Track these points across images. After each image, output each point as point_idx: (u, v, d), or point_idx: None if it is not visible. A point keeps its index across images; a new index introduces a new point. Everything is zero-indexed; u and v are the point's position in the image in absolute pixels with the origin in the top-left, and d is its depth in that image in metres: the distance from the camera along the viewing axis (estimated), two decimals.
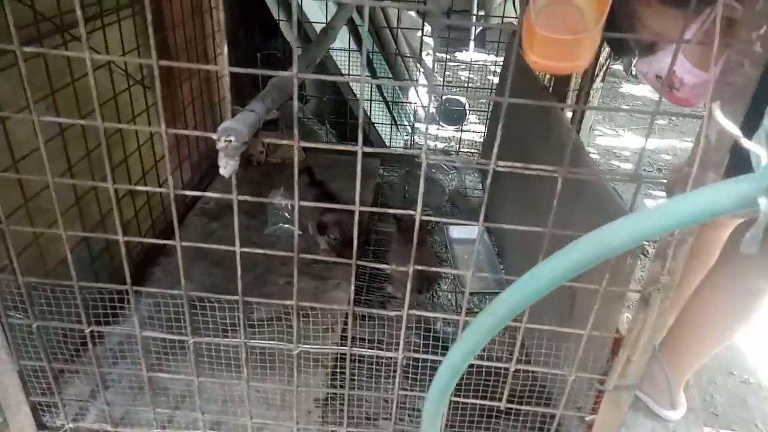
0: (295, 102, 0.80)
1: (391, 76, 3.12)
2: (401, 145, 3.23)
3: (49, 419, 1.26)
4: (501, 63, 2.58)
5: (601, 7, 0.68)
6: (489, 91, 3.13)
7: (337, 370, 1.45)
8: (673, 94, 1.11)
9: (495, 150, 0.83)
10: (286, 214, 2.08)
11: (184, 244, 1.01)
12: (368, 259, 1.99)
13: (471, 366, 0.72)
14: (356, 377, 1.42)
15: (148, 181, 1.81)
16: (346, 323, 1.56)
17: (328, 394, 1.39)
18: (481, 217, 0.85)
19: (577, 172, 0.85)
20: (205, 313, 1.30)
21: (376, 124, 2.87)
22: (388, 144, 3.00)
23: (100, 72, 1.47)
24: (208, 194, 0.96)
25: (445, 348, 1.11)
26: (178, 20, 1.93)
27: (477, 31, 5.84)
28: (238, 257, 1.00)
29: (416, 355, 1.06)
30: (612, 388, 0.99)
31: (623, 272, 0.93)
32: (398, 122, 3.14)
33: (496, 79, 5.17)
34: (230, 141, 0.77)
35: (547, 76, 2.15)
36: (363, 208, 0.91)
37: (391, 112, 3.11)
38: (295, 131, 0.82)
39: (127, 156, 1.65)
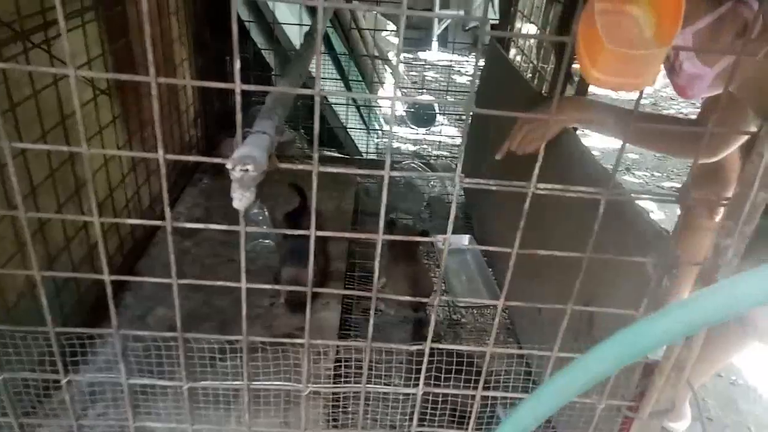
0: (317, 123, 0.70)
1: (360, 77, 3.03)
2: (373, 148, 3.15)
3: None
4: (467, 62, 2.53)
5: (669, 20, 0.62)
6: (463, 92, 3.08)
7: (339, 403, 1.36)
8: (673, 78, 1.09)
9: (535, 174, 0.76)
10: (265, 227, 1.96)
11: (180, 281, 0.89)
12: (354, 274, 1.90)
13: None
14: (350, 412, 1.33)
15: (114, 195, 1.66)
16: (338, 349, 1.47)
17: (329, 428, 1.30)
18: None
19: (620, 193, 0.79)
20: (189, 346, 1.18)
21: (348, 129, 2.78)
22: (360, 148, 2.91)
23: (63, 80, 1.33)
24: (212, 226, 0.85)
25: (466, 379, 1.04)
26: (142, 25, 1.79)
27: (439, 30, 5.82)
28: (243, 294, 0.89)
29: (437, 390, 0.98)
30: (647, 416, 0.94)
31: (660, 295, 0.88)
32: (369, 126, 3.06)
33: (460, 79, 5.18)
34: (247, 171, 0.67)
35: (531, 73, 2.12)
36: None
37: (362, 116, 3.02)
38: (315, 156, 0.73)
39: (96, 172, 1.50)
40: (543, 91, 1.85)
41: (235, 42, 0.62)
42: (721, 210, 1.47)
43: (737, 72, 0.72)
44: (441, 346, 0.96)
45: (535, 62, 2.12)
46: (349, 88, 2.80)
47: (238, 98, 0.71)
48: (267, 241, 1.87)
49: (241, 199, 0.70)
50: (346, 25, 2.90)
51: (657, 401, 0.94)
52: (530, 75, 2.20)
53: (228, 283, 0.90)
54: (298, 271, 1.61)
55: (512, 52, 2.35)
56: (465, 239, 2.02)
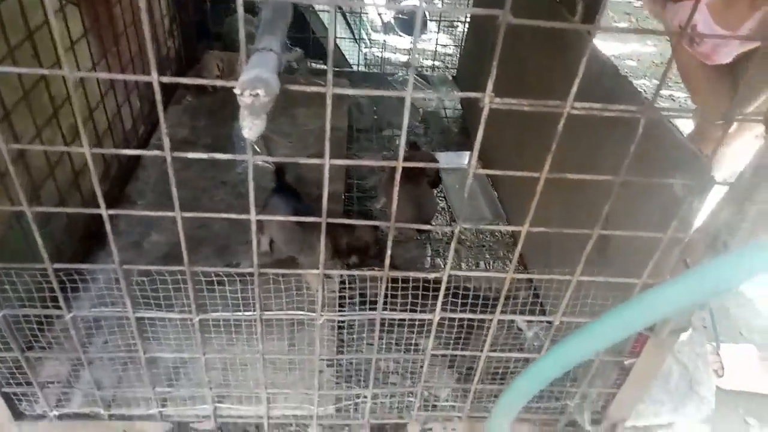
0: (331, 39, 0.61)
1: None
2: (362, 60, 2.98)
3: (27, 407, 1.11)
4: None
5: None
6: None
7: (344, 330, 1.35)
8: (694, 48, 1.07)
9: (573, 92, 0.69)
10: (256, 148, 1.88)
11: (184, 214, 0.83)
12: (352, 195, 1.84)
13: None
14: (354, 340, 1.33)
15: (95, 116, 1.55)
16: (342, 278, 1.44)
17: (337, 353, 1.30)
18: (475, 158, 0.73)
19: (665, 110, 0.73)
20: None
21: (336, 39, 2.61)
22: (349, 60, 2.76)
23: None
24: (218, 156, 0.77)
25: (482, 305, 1.02)
26: None
27: None
28: (254, 227, 0.84)
29: (453, 315, 0.96)
30: (666, 335, 0.94)
31: (686, 217, 0.85)
32: (357, 36, 2.88)
33: None
34: (257, 95, 0.59)
35: None
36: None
37: (349, 25, 2.84)
38: (329, 76, 0.65)
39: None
40: None
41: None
42: (735, 124, 1.42)
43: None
44: (461, 272, 0.93)
45: None
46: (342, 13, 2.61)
47: (240, 10, 0.62)
48: (260, 162, 1.79)
49: (251, 127, 0.63)
50: None
51: (678, 319, 0.94)
52: None
53: (237, 216, 0.85)
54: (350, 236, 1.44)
55: None
56: (464, 157, 1.96)
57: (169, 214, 0.82)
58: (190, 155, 0.78)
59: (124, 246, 1.51)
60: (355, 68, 2.74)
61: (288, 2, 0.88)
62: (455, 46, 3.03)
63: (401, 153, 0.74)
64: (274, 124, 2.03)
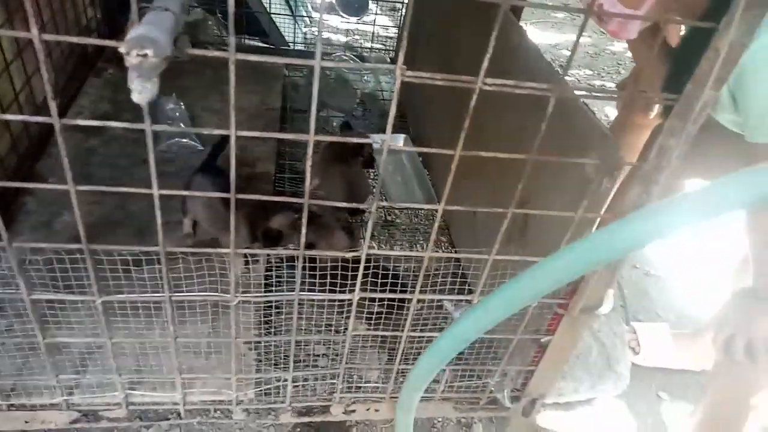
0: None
1: None
2: (301, 38, 2.91)
3: None
4: None
5: None
6: None
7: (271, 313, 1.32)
8: (603, 26, 1.11)
9: (483, 67, 0.68)
10: (182, 125, 1.80)
11: (79, 188, 0.78)
12: (284, 176, 1.80)
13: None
14: (283, 314, 1.30)
15: None
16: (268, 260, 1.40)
17: (261, 335, 1.27)
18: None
19: (577, 88, 0.73)
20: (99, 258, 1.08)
21: (273, 16, 2.53)
22: (287, 38, 2.68)
23: None
24: (112, 123, 0.72)
25: (400, 285, 1.01)
26: None
27: None
28: (157, 202, 0.79)
29: (373, 295, 0.95)
30: (577, 313, 0.96)
31: (599, 197, 0.87)
32: (296, 13, 2.81)
33: None
34: (146, 56, 0.55)
35: None
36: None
37: (288, 2, 2.76)
38: (231, 41, 0.61)
39: None
40: None
41: None
42: (656, 107, 1.47)
43: None
44: (377, 252, 0.92)
45: None
46: None
47: None
48: (185, 139, 1.71)
49: (141, 91, 0.58)
50: None
51: (589, 298, 0.97)
52: None
53: (139, 190, 0.80)
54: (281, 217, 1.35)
55: None
56: (400, 139, 1.95)
57: (62, 187, 0.76)
58: (82, 122, 0.72)
59: (34, 225, 1.41)
60: (292, 46, 2.67)
61: None
62: (396, 28, 3.01)
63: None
64: (204, 101, 1.95)
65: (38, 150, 1.63)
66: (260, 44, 2.59)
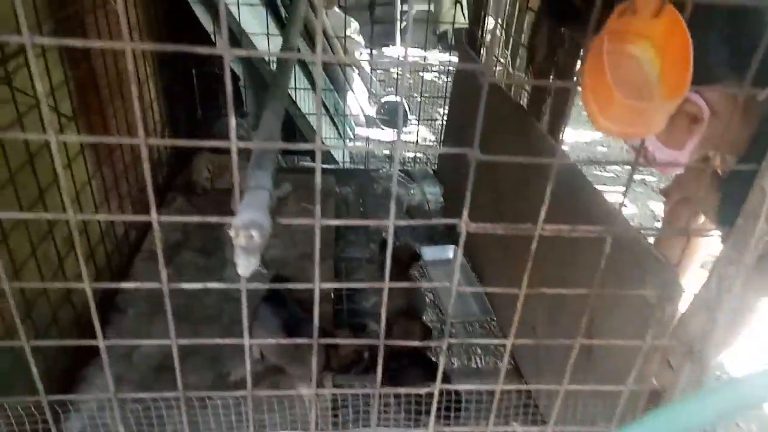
0: (318, 177, 0.67)
1: (331, 87, 2.98)
2: (346, 154, 3.11)
3: None
4: (428, 57, 2.52)
5: (677, 67, 0.61)
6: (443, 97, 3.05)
7: None
8: (652, 164, 1.17)
9: (541, 216, 0.74)
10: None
11: (179, 341, 0.85)
12: (341, 293, 1.86)
13: None
14: None
15: (88, 226, 1.59)
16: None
17: None
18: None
19: (631, 228, 0.79)
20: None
21: (323, 139, 2.73)
22: (335, 157, 2.87)
23: (26, 116, 1.25)
24: (212, 285, 0.80)
25: (476, 409, 1.03)
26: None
27: (403, 25, 5.77)
28: (247, 351, 0.85)
29: (447, 429, 0.97)
30: None
31: (661, 324, 0.89)
32: (343, 134, 3.02)
33: (428, 75, 5.16)
34: (252, 237, 0.64)
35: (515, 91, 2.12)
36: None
37: (334, 124, 2.98)
38: (317, 210, 0.70)
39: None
40: (519, 102, 1.85)
41: (230, 102, 0.58)
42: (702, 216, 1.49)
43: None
44: (450, 386, 0.95)
45: (510, 71, 2.12)
46: (326, 107, 2.76)
47: (234, 156, 0.68)
48: None
49: (246, 265, 0.67)
50: (313, 31, 2.84)
51: None
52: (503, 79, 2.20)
53: (232, 341, 0.87)
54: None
55: (483, 54, 2.35)
56: (449, 251, 2.02)
57: (165, 341, 0.84)
58: (186, 286, 0.81)
59: (114, 357, 1.50)
60: (341, 165, 2.84)
61: (272, 130, 0.95)
62: (435, 139, 3.19)
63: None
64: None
65: (119, 281, 1.76)
66: (311, 164, 2.77)
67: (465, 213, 0.76)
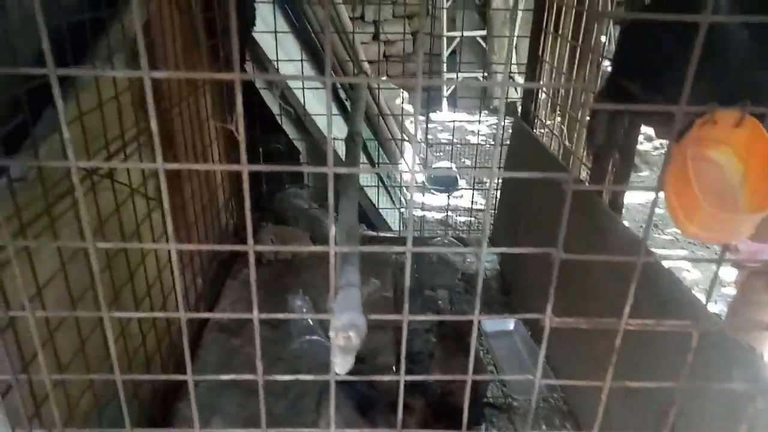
0: (408, 280, 0.72)
1: (387, 159, 3.11)
2: (400, 220, 3.18)
3: None
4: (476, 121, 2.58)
5: (763, 178, 0.64)
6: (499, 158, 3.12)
7: None
8: (736, 255, 1.16)
9: (626, 311, 0.76)
10: (310, 321, 1.96)
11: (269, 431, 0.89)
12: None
13: None
14: None
15: (166, 293, 1.68)
16: None
17: None
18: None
19: (718, 324, 0.79)
20: None
21: (379, 209, 2.82)
22: (389, 224, 2.94)
23: (123, 205, 1.37)
24: (302, 377, 0.85)
25: None
26: (186, 133, 1.86)
27: (449, 92, 5.97)
28: None
29: None
30: None
31: (753, 418, 0.87)
32: (397, 201, 3.11)
33: (474, 139, 5.26)
34: (349, 337, 0.68)
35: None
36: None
37: (389, 192, 3.08)
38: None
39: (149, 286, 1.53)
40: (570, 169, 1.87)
41: (331, 209, 0.63)
42: None
43: None
44: None
45: (566, 144, 2.17)
46: (378, 174, 2.88)
47: (332, 260, 0.73)
48: (315, 336, 1.86)
49: (343, 364, 0.71)
50: (371, 112, 2.98)
51: None
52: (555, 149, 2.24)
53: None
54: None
55: (536, 125, 2.41)
56: (510, 323, 2.01)
57: (257, 431, 0.88)
58: (279, 377, 0.85)
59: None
60: (398, 232, 2.91)
61: (353, 226, 1.01)
62: (486, 204, 3.22)
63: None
64: (326, 295, 2.14)
65: (190, 351, 1.83)
66: (370, 233, 2.85)
67: (549, 308, 0.79)
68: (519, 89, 3.06)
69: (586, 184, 1.69)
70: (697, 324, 0.76)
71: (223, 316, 1.68)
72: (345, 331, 0.68)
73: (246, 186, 0.61)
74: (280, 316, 0.89)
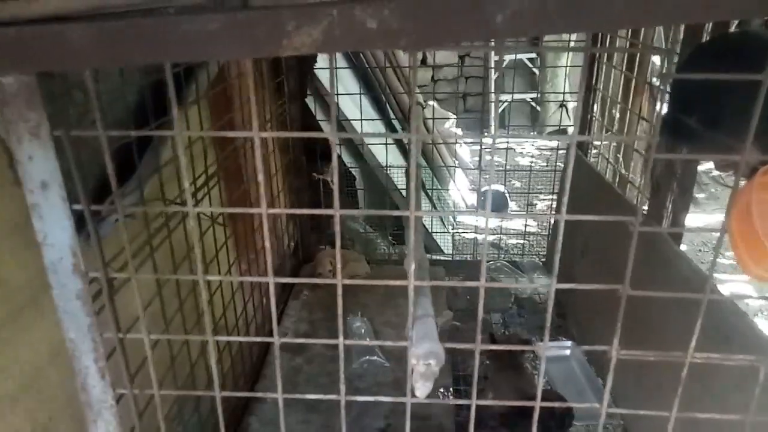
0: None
1: (439, 185, 3.19)
2: (450, 244, 3.23)
3: None
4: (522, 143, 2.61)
5: None
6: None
7: None
8: None
9: (692, 346, 0.80)
10: (368, 339, 2.04)
11: None
12: (459, 388, 1.92)
13: None
14: None
15: (226, 316, 1.79)
16: None
17: None
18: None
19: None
20: None
21: (431, 233, 2.89)
22: (442, 247, 3.00)
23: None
24: (383, 397, 0.93)
25: None
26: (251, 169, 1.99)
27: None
28: None
29: None
30: None
31: None
32: (449, 227, 3.17)
33: (522, 161, 5.27)
34: (430, 365, 0.75)
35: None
36: None
37: (441, 217, 3.15)
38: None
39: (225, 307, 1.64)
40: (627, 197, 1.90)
41: (410, 249, 0.71)
42: None
43: None
44: None
45: (623, 172, 2.19)
46: (429, 198, 2.96)
47: (411, 294, 0.81)
48: (374, 357, 1.94)
49: (422, 389, 0.78)
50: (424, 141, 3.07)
51: None
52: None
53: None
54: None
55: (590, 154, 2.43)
56: (567, 347, 2.03)
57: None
58: (360, 398, 0.93)
59: None
60: (447, 255, 2.97)
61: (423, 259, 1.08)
62: (538, 226, 3.24)
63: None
64: (383, 317, 2.22)
65: (256, 372, 1.94)
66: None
67: (615, 341, 0.84)
68: (571, 114, 3.08)
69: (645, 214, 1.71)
70: (764, 360, 0.80)
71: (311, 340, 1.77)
72: (426, 359, 0.75)
73: (338, 229, 0.69)
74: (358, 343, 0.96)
